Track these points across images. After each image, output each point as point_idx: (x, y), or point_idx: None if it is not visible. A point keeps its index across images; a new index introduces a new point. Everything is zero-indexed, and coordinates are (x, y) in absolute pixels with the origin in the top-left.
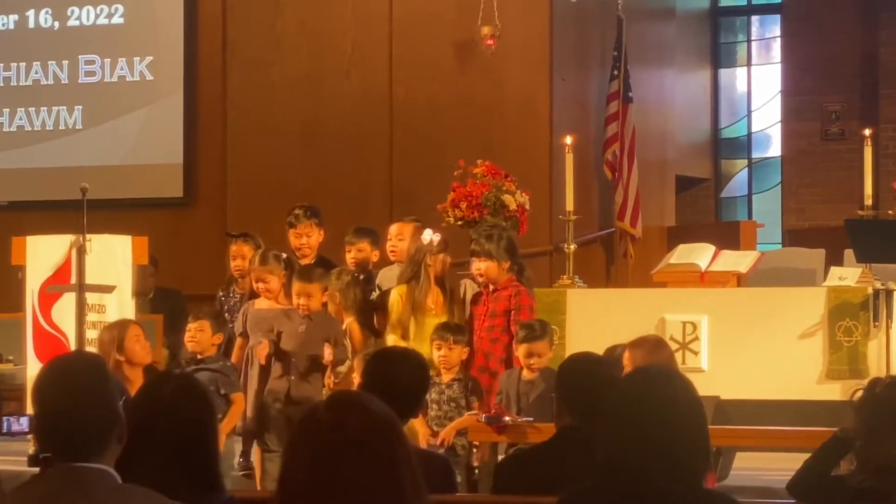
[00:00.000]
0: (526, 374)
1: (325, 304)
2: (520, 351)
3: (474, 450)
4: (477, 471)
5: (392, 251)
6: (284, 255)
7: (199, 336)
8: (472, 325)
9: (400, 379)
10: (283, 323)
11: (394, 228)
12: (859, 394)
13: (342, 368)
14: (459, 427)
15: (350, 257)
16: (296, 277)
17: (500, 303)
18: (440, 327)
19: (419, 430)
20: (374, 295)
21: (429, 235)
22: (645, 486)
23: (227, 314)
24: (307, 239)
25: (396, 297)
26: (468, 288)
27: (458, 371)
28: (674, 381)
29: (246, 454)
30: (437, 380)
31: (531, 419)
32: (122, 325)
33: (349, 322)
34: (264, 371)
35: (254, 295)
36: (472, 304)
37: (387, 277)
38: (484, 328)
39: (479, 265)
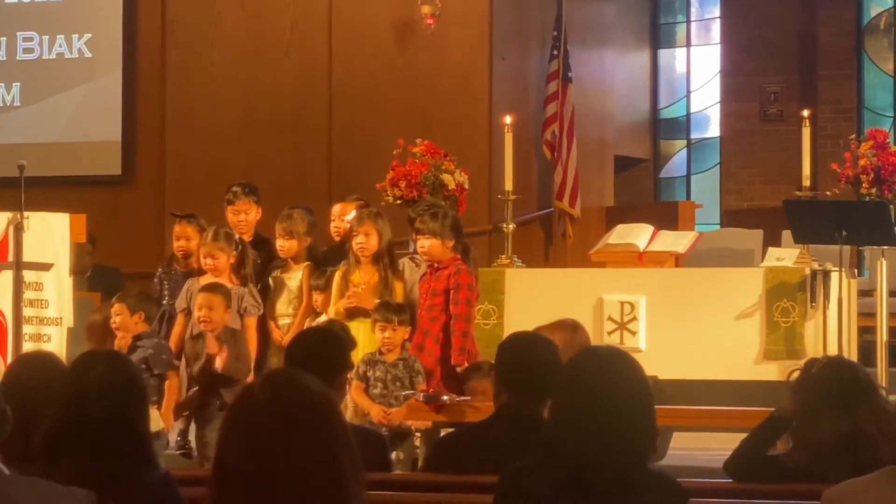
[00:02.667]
0: None
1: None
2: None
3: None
4: (417, 450)
5: (336, 231)
6: (238, 237)
7: (118, 319)
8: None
9: (319, 356)
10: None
11: (336, 209)
12: (796, 374)
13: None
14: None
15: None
16: (201, 290)
17: (441, 281)
18: (383, 308)
19: (372, 410)
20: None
21: (350, 217)
22: (588, 465)
23: (166, 292)
24: (245, 216)
25: (336, 278)
26: (406, 267)
27: (402, 350)
28: (621, 362)
29: (184, 433)
30: (382, 358)
31: (468, 398)
32: (106, 307)
33: (305, 266)
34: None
35: (199, 272)
36: (419, 282)
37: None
38: (424, 307)
39: (423, 243)
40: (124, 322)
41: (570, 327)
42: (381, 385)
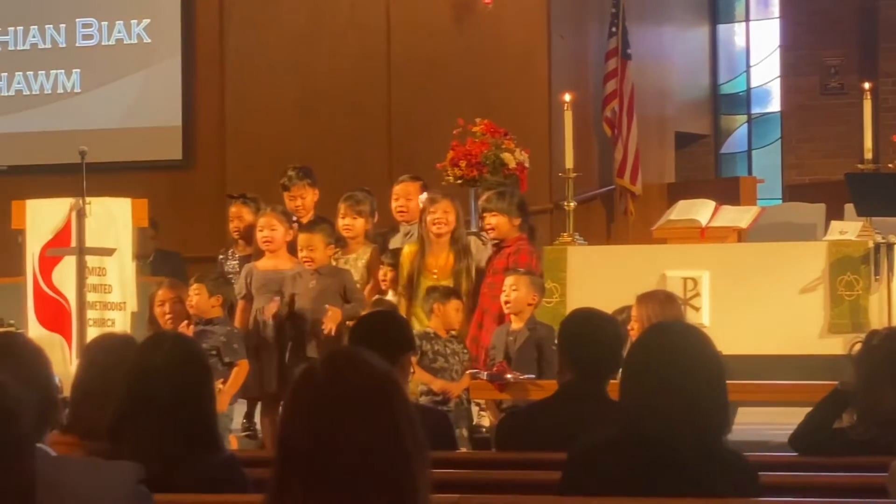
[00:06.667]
0: (514, 325)
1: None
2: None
3: (480, 411)
4: (485, 430)
5: (401, 211)
6: (296, 218)
7: (196, 299)
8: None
9: (383, 336)
10: (294, 284)
11: (399, 188)
12: (858, 346)
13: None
14: (468, 385)
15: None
16: (299, 229)
17: (501, 260)
18: (448, 291)
19: (434, 383)
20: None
21: (423, 198)
22: (670, 442)
23: (228, 276)
24: (301, 200)
25: (406, 255)
26: (473, 245)
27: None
28: (696, 337)
29: (249, 416)
30: (436, 334)
31: (532, 376)
32: (153, 290)
33: (372, 249)
34: (280, 334)
35: (257, 256)
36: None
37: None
38: (486, 284)
39: (490, 220)
40: (200, 303)
41: (662, 299)
42: (441, 359)
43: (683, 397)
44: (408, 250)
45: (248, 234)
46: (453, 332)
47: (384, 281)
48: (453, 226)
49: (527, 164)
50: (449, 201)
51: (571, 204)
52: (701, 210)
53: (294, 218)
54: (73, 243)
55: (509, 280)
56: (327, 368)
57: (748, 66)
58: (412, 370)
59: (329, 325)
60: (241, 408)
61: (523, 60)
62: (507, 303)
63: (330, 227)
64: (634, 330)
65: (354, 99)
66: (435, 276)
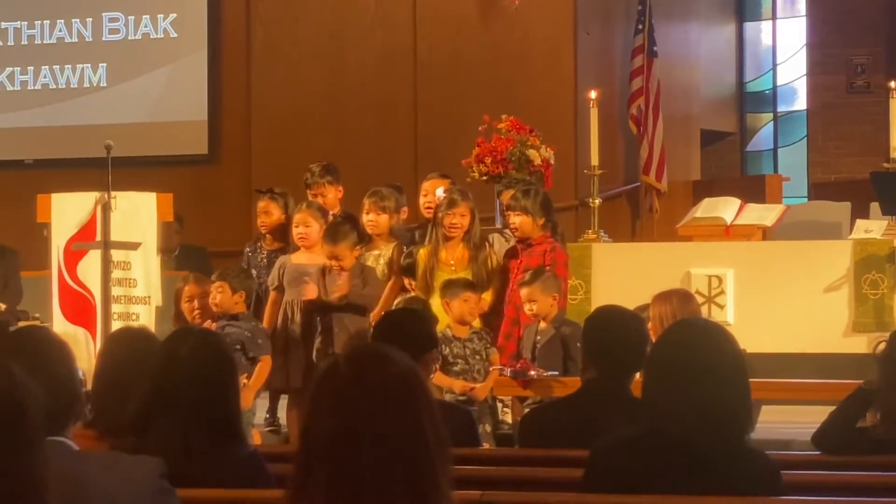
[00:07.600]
0: (542, 324)
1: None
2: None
3: (504, 407)
4: (507, 426)
5: (429, 208)
6: (331, 213)
7: (220, 297)
8: (506, 279)
9: (406, 333)
10: (322, 280)
11: (428, 184)
12: (882, 346)
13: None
14: (493, 383)
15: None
16: (323, 238)
17: (535, 258)
18: (462, 283)
19: (455, 385)
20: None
21: (440, 193)
22: (692, 440)
23: (253, 270)
24: (323, 199)
25: (421, 255)
26: (496, 241)
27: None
28: (719, 334)
29: (273, 411)
30: (454, 334)
31: (556, 373)
32: (179, 285)
33: (394, 246)
34: (308, 328)
35: (293, 248)
36: (506, 258)
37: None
38: (517, 282)
39: (514, 219)
40: (224, 300)
41: (681, 297)
42: (461, 361)
43: (706, 395)
44: (423, 252)
45: (275, 230)
46: (474, 329)
47: (410, 287)
48: (467, 227)
49: (552, 161)
50: (466, 205)
51: (597, 201)
52: (726, 208)
53: (330, 213)
54: (99, 237)
55: (524, 293)
56: (350, 364)
57: (774, 64)
58: (435, 368)
59: (336, 292)
60: (263, 402)
61: (549, 57)
62: (532, 315)
63: (351, 227)
64: (651, 330)
65: (380, 94)
66: (452, 268)
